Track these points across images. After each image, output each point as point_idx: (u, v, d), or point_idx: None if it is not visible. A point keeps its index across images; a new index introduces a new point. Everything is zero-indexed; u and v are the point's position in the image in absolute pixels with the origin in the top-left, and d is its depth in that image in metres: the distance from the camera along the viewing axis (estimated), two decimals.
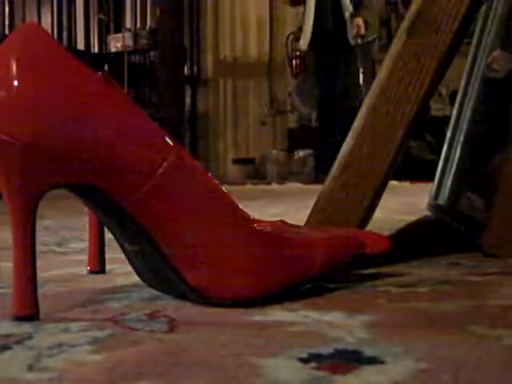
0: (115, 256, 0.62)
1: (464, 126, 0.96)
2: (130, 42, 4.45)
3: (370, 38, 3.98)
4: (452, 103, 3.55)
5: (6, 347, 0.39)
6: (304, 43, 3.98)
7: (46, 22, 4.24)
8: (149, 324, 0.45)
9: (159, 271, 0.50)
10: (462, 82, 1.03)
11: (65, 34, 4.43)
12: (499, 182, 0.74)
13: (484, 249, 0.73)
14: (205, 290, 0.49)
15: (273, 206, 1.90)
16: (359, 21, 3.88)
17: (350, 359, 0.36)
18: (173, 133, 0.54)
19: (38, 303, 0.46)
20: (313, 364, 0.35)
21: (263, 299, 0.50)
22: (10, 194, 0.45)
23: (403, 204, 1.72)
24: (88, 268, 0.64)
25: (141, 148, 0.48)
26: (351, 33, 3.90)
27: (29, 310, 0.45)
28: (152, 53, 4.60)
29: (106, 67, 4.55)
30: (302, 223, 0.69)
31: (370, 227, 0.73)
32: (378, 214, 0.77)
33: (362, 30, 3.92)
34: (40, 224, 1.20)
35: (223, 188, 0.52)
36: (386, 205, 1.37)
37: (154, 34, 4.38)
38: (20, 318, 0.45)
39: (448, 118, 1.16)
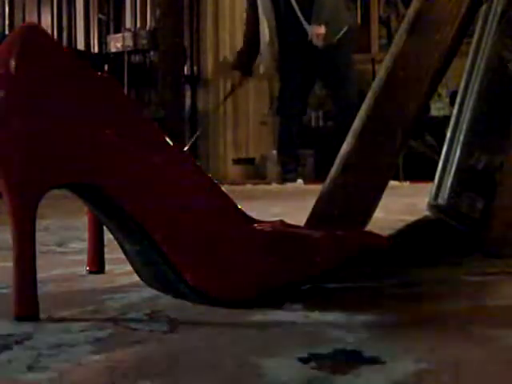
0: (115, 256, 0.62)
1: (464, 125, 0.96)
2: (130, 42, 4.45)
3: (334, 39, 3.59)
4: (452, 103, 3.55)
5: (6, 347, 0.39)
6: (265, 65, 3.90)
7: (46, 22, 4.24)
8: (149, 324, 0.45)
9: (159, 271, 0.50)
10: (462, 82, 1.03)
11: (65, 34, 4.43)
12: (499, 181, 0.74)
13: (484, 249, 0.73)
14: (205, 290, 0.49)
15: (273, 205, 1.90)
16: (315, 28, 3.52)
17: (349, 359, 0.36)
18: (173, 133, 0.54)
19: (38, 303, 0.46)
20: (313, 364, 0.35)
21: (263, 299, 0.50)
22: (10, 193, 0.44)
23: (403, 204, 1.72)
24: (87, 268, 0.64)
25: (140, 148, 0.48)
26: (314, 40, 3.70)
27: (29, 310, 0.45)
28: (152, 53, 4.60)
29: (106, 67, 4.55)
30: (301, 223, 0.68)
31: (370, 227, 0.73)
32: (378, 213, 0.77)
33: (320, 37, 3.52)
34: (40, 224, 1.19)
35: (223, 188, 0.52)
36: (386, 205, 1.37)
37: (154, 34, 4.38)
38: (20, 318, 0.45)
39: (448, 118, 1.16)
